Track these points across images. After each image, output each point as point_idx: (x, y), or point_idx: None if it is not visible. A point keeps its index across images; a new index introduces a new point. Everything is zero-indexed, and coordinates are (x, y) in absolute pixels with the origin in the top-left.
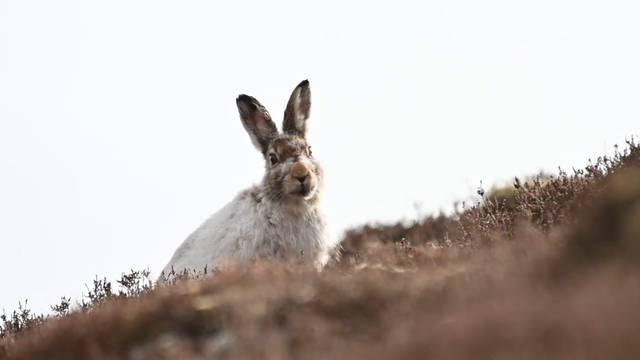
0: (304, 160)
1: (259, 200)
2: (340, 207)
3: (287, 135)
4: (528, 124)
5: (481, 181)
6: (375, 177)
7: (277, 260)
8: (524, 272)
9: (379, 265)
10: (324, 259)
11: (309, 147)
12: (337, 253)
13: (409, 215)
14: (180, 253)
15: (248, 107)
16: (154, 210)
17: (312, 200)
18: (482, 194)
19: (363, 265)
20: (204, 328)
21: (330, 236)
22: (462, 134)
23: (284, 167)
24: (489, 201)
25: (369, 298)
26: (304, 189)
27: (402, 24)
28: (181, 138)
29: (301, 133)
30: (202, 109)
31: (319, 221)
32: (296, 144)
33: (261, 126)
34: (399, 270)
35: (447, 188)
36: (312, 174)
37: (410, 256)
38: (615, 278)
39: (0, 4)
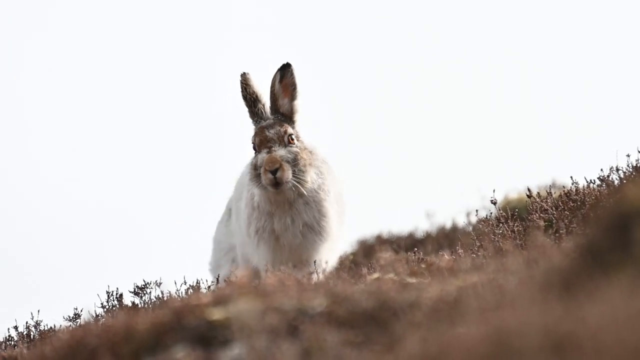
0: (277, 152)
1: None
2: (352, 217)
3: (267, 123)
4: (540, 133)
5: (494, 191)
6: (388, 187)
7: (268, 240)
8: (536, 282)
9: (391, 275)
10: (330, 239)
11: (289, 134)
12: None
13: (421, 225)
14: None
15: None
16: (167, 221)
17: (295, 189)
18: (494, 203)
19: (375, 275)
20: (216, 338)
21: (328, 216)
22: (474, 143)
23: (259, 158)
24: (502, 211)
25: (382, 308)
26: (277, 182)
27: (414, 28)
28: (185, 136)
29: (287, 117)
30: (198, 107)
31: (306, 203)
32: (274, 134)
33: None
34: (412, 280)
35: (459, 198)
36: (286, 166)
37: (423, 266)
38: (627, 288)
39: None
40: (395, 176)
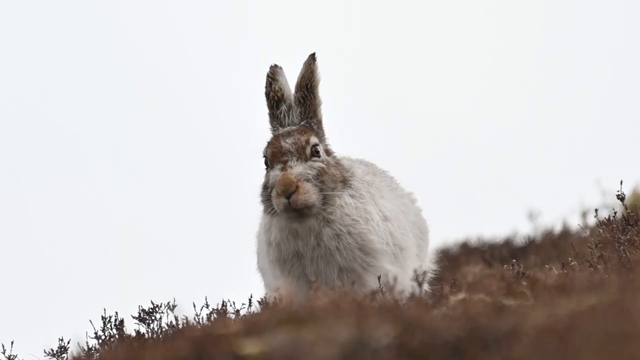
0: (293, 169)
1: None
2: (431, 220)
3: (284, 131)
4: None
5: (621, 183)
6: (476, 180)
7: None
8: None
9: (481, 296)
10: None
11: (313, 145)
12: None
13: (521, 229)
14: None
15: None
16: (182, 229)
17: (319, 214)
18: (622, 199)
19: (461, 296)
20: None
21: (371, 241)
22: (591, 122)
23: (271, 176)
24: (630, 210)
25: (469, 339)
26: (293, 208)
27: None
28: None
29: (312, 117)
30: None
31: (337, 235)
32: (291, 144)
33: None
34: (509, 302)
35: (572, 193)
36: (303, 186)
37: (524, 284)
38: None
39: None
40: (487, 167)
